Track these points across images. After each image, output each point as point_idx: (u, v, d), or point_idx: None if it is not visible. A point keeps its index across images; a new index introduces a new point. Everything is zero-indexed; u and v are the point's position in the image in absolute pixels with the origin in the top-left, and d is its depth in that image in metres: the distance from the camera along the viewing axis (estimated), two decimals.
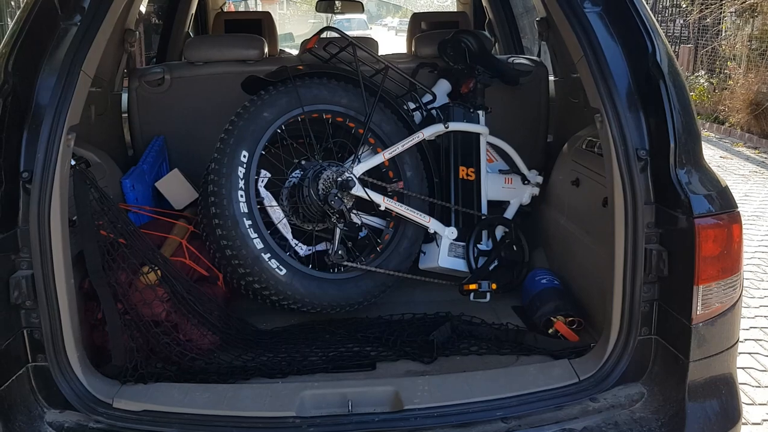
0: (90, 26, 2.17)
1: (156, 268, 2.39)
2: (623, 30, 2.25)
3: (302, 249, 2.69)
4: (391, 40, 22.44)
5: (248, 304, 2.83)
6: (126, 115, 3.53)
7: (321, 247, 2.88)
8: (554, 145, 3.65)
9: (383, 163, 2.82)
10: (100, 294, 2.28)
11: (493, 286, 2.73)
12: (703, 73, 12.31)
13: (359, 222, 2.79)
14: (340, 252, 2.60)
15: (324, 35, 3.08)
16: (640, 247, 2.15)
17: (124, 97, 3.52)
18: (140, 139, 3.51)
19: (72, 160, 2.24)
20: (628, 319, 2.18)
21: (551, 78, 3.62)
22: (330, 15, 7.66)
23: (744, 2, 11.44)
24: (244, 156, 2.51)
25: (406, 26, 5.05)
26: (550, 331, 2.58)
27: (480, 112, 3.12)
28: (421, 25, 4.80)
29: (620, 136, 2.17)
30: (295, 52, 6.92)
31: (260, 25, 4.88)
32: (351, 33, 3.44)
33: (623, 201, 2.17)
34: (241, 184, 2.49)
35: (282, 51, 5.53)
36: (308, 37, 3.21)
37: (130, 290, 2.35)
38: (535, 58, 3.63)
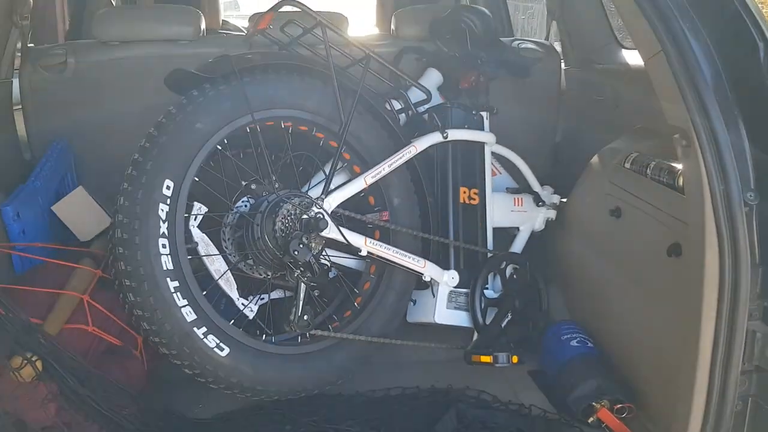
0: None
1: (33, 357, 1.61)
2: (714, 20, 1.59)
3: (252, 310, 1.93)
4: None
5: (176, 372, 2.07)
6: (20, 108, 2.71)
7: (275, 294, 2.16)
8: (563, 148, 2.99)
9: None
10: None
11: (514, 359, 2.04)
12: None
13: (327, 263, 2.07)
14: (305, 317, 1.86)
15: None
16: (741, 326, 1.58)
17: (16, 84, 2.69)
18: (39, 142, 2.70)
19: None
20: (715, 418, 1.63)
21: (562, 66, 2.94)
22: None
23: None
24: (168, 187, 1.74)
25: None
26: (591, 420, 1.93)
27: (484, 114, 2.41)
28: None
29: (719, 171, 1.53)
30: (243, 23, 6.01)
31: None
32: None
33: (718, 260, 1.55)
34: (164, 228, 1.73)
35: (225, 23, 4.65)
36: (260, 9, 2.43)
37: None
38: (543, 41, 2.93)
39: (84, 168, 2.71)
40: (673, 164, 1.86)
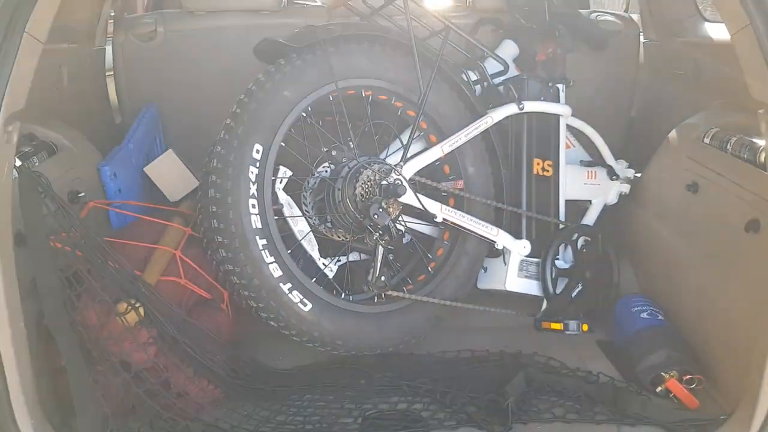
0: None
1: (137, 304, 1.76)
2: None
3: (332, 270, 2.04)
4: None
5: (256, 327, 2.20)
6: (111, 75, 2.87)
7: (352, 256, 2.26)
8: (638, 122, 2.97)
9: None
10: (61, 343, 1.67)
11: (585, 327, 2.08)
12: None
13: (403, 228, 2.15)
14: (383, 278, 1.95)
15: None
16: None
17: (109, 51, 2.85)
18: (129, 106, 2.87)
19: (16, 160, 1.60)
20: None
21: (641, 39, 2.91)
22: None
23: None
24: (258, 151, 1.85)
25: None
26: (659, 389, 1.96)
27: (560, 86, 2.42)
28: None
29: None
30: None
31: None
32: None
33: None
34: (253, 189, 1.84)
35: None
36: None
37: (102, 334, 1.74)
38: (622, 13, 2.89)
39: (170, 132, 2.86)
40: (755, 140, 1.85)
